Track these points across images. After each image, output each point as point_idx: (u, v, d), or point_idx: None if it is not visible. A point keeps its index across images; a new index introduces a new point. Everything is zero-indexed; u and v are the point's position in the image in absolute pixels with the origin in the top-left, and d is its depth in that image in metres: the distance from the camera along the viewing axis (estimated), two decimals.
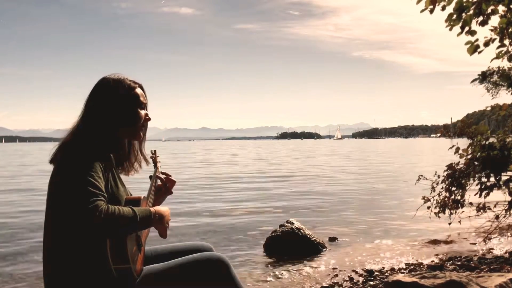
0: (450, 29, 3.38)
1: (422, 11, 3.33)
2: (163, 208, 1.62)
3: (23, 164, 24.00)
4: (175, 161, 25.27)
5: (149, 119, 1.75)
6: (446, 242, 4.82)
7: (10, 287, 3.61)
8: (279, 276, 3.76)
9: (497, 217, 4.53)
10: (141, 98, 1.71)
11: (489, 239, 4.75)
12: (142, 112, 1.71)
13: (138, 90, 1.71)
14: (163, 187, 1.93)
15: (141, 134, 1.74)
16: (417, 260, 4.12)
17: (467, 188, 4.49)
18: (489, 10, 3.28)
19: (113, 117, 1.63)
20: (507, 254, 4.13)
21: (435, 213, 4.72)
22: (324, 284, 3.46)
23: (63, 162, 1.50)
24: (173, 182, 1.94)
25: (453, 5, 3.31)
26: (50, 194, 1.51)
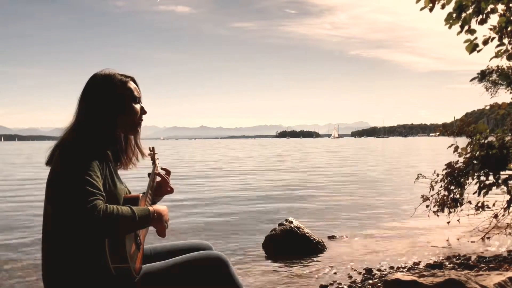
0: (450, 28, 3.38)
1: (422, 9, 3.33)
2: (162, 207, 1.61)
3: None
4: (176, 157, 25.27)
5: (145, 113, 1.74)
6: (444, 241, 4.83)
7: (10, 286, 3.61)
8: (278, 274, 3.75)
9: (495, 215, 4.55)
10: (135, 92, 1.70)
11: (488, 237, 4.76)
12: (137, 106, 1.71)
13: (131, 84, 1.70)
14: (162, 184, 1.92)
15: (138, 128, 1.73)
16: (416, 259, 4.12)
17: (466, 186, 4.50)
18: (488, 9, 3.28)
19: (108, 113, 1.62)
20: (505, 252, 4.14)
21: (434, 211, 4.73)
22: (323, 283, 3.46)
23: (61, 162, 1.49)
24: (166, 182, 1.91)
25: (452, 4, 3.31)
26: (48, 193, 1.50)
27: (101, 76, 1.66)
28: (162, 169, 1.91)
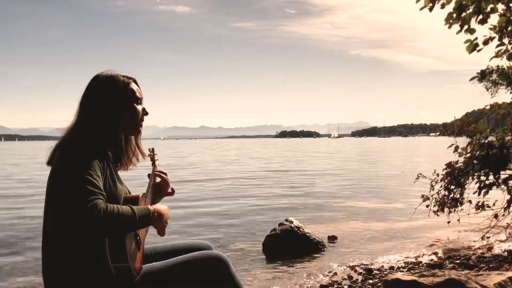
0: (449, 28, 3.38)
1: (422, 8, 3.33)
2: (162, 207, 1.62)
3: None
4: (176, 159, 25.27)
5: (147, 114, 1.74)
6: (445, 241, 4.83)
7: (10, 285, 3.61)
8: (278, 274, 3.76)
9: (496, 215, 4.55)
10: (137, 94, 1.70)
11: (488, 237, 4.76)
12: (139, 107, 1.71)
13: (133, 85, 1.70)
14: (163, 185, 1.92)
15: (140, 129, 1.73)
16: (416, 259, 4.12)
17: (466, 186, 4.50)
18: (488, 9, 3.28)
19: (110, 114, 1.62)
20: (506, 252, 4.14)
21: (434, 211, 4.73)
22: (323, 283, 3.46)
23: (61, 162, 1.49)
24: (167, 184, 1.91)
25: (452, 3, 3.31)
26: (49, 193, 1.51)
27: (104, 77, 1.66)
28: (159, 171, 1.91)
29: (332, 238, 4.98)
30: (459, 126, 4.66)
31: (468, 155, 4.38)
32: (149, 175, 1.88)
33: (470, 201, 4.51)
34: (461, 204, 4.56)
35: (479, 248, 4.45)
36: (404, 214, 6.36)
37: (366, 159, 23.53)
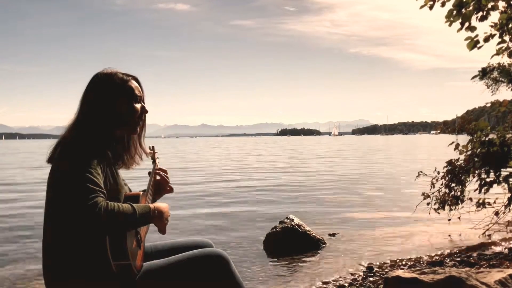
0: (450, 25, 3.38)
1: (422, 7, 3.33)
2: (162, 204, 1.62)
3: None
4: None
5: (146, 112, 1.73)
6: (445, 238, 4.83)
7: (11, 285, 3.62)
8: (279, 272, 3.76)
9: (496, 213, 4.55)
10: (136, 91, 1.69)
11: (489, 235, 4.76)
12: (138, 105, 1.70)
13: (133, 83, 1.69)
14: (162, 183, 1.93)
15: (138, 128, 1.73)
16: (416, 256, 4.12)
17: (466, 184, 4.50)
18: (489, 6, 3.28)
19: (109, 112, 1.62)
20: (506, 250, 4.14)
21: (434, 209, 4.73)
22: (324, 280, 3.47)
23: (62, 160, 1.49)
24: (165, 181, 1.91)
25: (452, 1, 3.31)
26: (49, 191, 1.51)
27: (103, 75, 1.66)
28: (159, 169, 1.91)
29: (333, 236, 4.98)
30: (460, 124, 4.66)
31: (469, 152, 4.38)
32: (149, 173, 1.88)
33: (470, 199, 4.52)
34: (462, 201, 4.56)
35: (479, 245, 4.45)
36: (405, 211, 6.35)
37: (367, 158, 23.51)
